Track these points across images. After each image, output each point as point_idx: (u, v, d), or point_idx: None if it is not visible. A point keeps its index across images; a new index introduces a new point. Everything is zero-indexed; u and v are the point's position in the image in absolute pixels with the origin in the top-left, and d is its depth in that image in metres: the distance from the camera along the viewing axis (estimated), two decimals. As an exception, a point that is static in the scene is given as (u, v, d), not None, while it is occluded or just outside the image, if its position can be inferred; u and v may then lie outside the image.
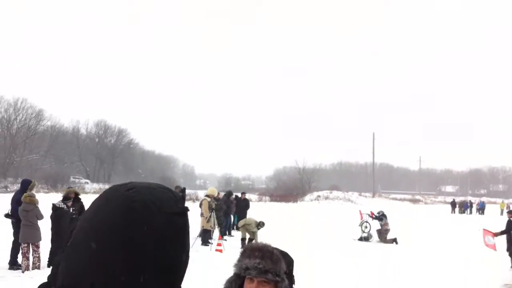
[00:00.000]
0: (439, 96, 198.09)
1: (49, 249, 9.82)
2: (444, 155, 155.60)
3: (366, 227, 18.77)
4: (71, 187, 11.31)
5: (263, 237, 15.58)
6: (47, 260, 9.77)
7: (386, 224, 18.56)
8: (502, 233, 13.32)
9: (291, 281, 2.11)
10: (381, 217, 18.89)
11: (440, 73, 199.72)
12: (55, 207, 9.76)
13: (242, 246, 13.10)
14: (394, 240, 17.84)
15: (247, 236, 14.44)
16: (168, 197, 0.94)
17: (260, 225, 14.49)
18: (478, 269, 11.85)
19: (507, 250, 13.11)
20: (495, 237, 13.30)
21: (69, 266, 0.87)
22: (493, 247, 13.17)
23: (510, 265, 12.81)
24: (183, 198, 14.48)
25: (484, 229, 13.76)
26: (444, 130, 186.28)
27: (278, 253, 2.02)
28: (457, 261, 13.08)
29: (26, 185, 10.48)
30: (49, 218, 9.46)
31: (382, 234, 18.44)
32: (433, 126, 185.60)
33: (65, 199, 10.28)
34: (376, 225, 18.94)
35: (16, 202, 10.03)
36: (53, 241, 9.72)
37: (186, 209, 0.96)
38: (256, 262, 1.94)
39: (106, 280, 0.84)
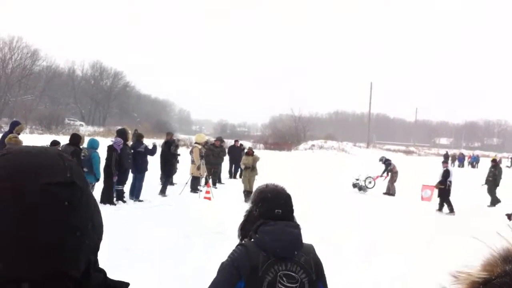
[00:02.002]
0: (438, 47, 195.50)
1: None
2: (441, 107, 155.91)
3: (370, 182, 18.11)
4: (76, 133, 11.19)
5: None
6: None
7: (395, 167, 17.99)
8: (440, 183, 13.86)
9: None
10: (388, 161, 18.44)
11: (439, 24, 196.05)
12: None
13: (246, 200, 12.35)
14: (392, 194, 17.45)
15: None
16: (52, 164, 0.77)
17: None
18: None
19: (439, 196, 13.81)
20: (435, 188, 14.01)
21: None
22: (428, 199, 13.82)
23: (447, 210, 13.43)
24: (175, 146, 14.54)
25: (423, 185, 14.40)
26: (442, 82, 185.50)
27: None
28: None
29: (14, 127, 10.37)
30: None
31: (393, 177, 17.80)
32: (431, 77, 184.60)
33: (53, 144, 10.21)
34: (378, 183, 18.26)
35: (1, 144, 9.61)
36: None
37: (74, 179, 0.78)
38: None
39: None
